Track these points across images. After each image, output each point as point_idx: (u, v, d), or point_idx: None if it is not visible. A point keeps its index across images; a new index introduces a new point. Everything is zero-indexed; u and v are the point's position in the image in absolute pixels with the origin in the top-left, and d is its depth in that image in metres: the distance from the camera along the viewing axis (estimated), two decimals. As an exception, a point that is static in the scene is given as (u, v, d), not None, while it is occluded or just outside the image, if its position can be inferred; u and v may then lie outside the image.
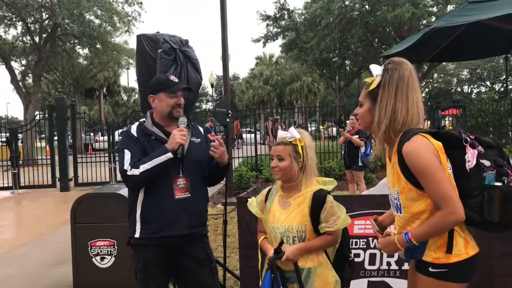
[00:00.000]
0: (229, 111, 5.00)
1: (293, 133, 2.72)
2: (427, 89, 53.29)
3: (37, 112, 21.24)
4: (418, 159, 2.12)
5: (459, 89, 59.56)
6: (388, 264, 3.79)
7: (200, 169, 3.19)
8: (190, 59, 3.93)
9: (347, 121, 10.41)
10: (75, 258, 4.58)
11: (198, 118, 17.16)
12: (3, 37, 24.01)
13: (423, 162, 2.11)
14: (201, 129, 3.39)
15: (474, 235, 2.29)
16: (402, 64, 2.28)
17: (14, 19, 22.34)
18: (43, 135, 27.38)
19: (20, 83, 24.18)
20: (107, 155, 14.85)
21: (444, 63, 37.58)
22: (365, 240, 3.78)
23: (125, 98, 57.14)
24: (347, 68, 34.93)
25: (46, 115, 15.49)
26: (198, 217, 3.15)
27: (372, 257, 3.80)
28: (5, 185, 14.36)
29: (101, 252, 4.53)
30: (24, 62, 27.52)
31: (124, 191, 4.35)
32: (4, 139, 18.44)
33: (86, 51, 27.68)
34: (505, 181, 2.12)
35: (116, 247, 4.51)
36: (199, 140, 3.23)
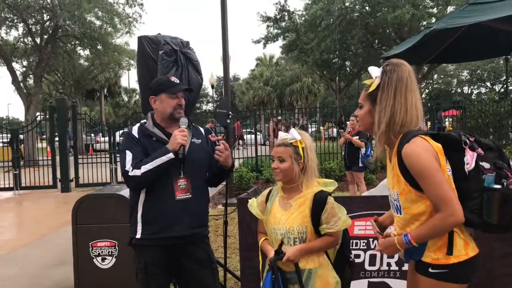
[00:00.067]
0: (230, 112, 5.01)
1: (294, 134, 2.73)
2: (427, 90, 53.27)
3: (38, 113, 21.26)
4: (417, 161, 2.13)
5: (459, 90, 59.52)
6: (388, 265, 3.80)
7: (201, 170, 3.20)
8: (191, 60, 3.95)
9: (347, 122, 10.42)
10: (76, 259, 4.59)
11: (199, 119, 17.17)
12: (5, 38, 24.04)
13: (422, 164, 2.12)
14: (202, 130, 3.40)
15: (474, 237, 2.30)
16: (400, 65, 2.29)
17: (15, 21, 22.34)
18: (44, 136, 27.40)
19: (21, 84, 24.19)
20: (108, 156, 14.86)
21: (444, 64, 37.56)
22: (366, 241, 3.79)
23: (126, 99, 57.17)
24: (347, 69, 34.91)
25: (47, 116, 15.51)
26: (199, 218, 3.17)
27: (372, 258, 3.81)
28: (6, 186, 14.37)
29: (102, 252, 4.54)
30: (25, 63, 27.53)
31: (125, 192, 4.37)
32: (6, 140, 18.42)
33: (87, 52, 27.68)
34: (505, 183, 2.12)
35: (117, 248, 4.52)
36: (200, 141, 3.25)
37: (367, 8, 26.17)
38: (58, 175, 14.18)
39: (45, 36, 23.46)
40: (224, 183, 3.83)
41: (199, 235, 3.17)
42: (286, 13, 29.82)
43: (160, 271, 3.08)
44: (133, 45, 36.75)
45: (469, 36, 6.02)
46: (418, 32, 9.98)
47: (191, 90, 3.51)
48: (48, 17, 22.71)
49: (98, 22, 22.57)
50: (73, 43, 25.58)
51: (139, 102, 4.14)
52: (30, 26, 22.96)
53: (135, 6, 23.13)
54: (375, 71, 2.33)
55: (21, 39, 24.48)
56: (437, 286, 2.23)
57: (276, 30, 30.56)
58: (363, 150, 8.80)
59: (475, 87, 58.15)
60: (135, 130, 3.15)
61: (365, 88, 2.38)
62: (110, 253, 4.54)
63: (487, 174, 2.13)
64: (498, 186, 2.12)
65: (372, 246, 3.77)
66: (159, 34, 4.03)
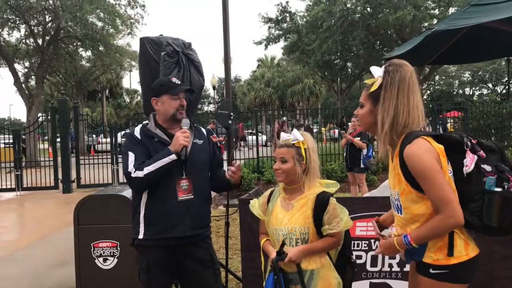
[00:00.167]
0: (231, 113, 5.02)
1: (296, 135, 2.73)
2: (428, 91, 53.23)
3: (40, 114, 21.29)
4: (419, 162, 2.13)
5: (460, 92, 59.44)
6: (390, 265, 3.80)
7: (203, 171, 3.21)
8: (192, 61, 3.96)
9: (349, 123, 10.42)
10: (78, 259, 4.59)
11: (200, 120, 17.18)
12: (7, 39, 24.07)
13: (423, 165, 2.12)
14: (204, 130, 3.41)
15: (474, 238, 2.30)
16: (403, 66, 2.29)
17: (17, 22, 22.38)
18: (46, 137, 27.43)
19: (23, 85, 24.21)
20: (109, 156, 14.88)
21: (445, 65, 37.54)
22: (367, 242, 3.79)
23: (128, 100, 57.21)
24: (349, 70, 34.86)
25: (49, 117, 15.53)
26: (201, 219, 3.17)
27: (374, 259, 3.81)
28: (8, 186, 14.39)
29: (104, 253, 4.55)
30: (27, 64, 27.58)
31: (127, 193, 4.37)
32: (7, 141, 18.47)
33: (89, 53, 27.70)
34: (506, 186, 2.12)
35: (119, 249, 4.53)
36: (202, 141, 3.25)
37: (368, 9, 26.14)
38: (60, 176, 14.20)
39: (47, 37, 23.50)
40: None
41: (201, 236, 3.18)
42: (287, 14, 29.79)
43: (162, 271, 3.09)
44: (135, 46, 36.87)
45: (470, 37, 6.00)
46: (419, 33, 9.98)
47: (193, 91, 3.52)
48: (50, 18, 22.75)
49: (100, 24, 22.60)
50: (75, 44, 25.62)
51: (141, 103, 4.15)
52: (32, 28, 22.99)
53: (137, 7, 23.15)
54: (377, 71, 2.33)
55: (23, 40, 24.51)
56: (438, 287, 2.23)
57: (277, 31, 30.52)
58: (364, 151, 8.81)
59: (477, 88, 58.08)
60: (137, 131, 3.16)
61: (366, 87, 2.39)
62: (111, 254, 4.54)
63: (488, 177, 2.13)
64: (499, 189, 2.12)
65: (374, 247, 3.77)
66: (161, 35, 4.04)
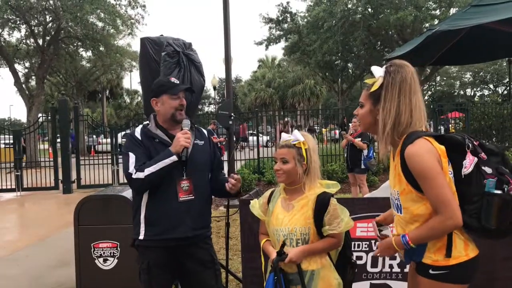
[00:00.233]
0: (232, 114, 5.02)
1: (297, 136, 2.72)
2: (429, 92, 53.24)
3: (40, 115, 21.30)
4: (420, 163, 2.13)
5: (462, 92, 59.45)
6: (391, 266, 3.80)
7: (204, 171, 3.21)
8: (193, 62, 3.96)
9: (350, 124, 10.42)
10: (78, 259, 4.59)
11: (201, 120, 17.18)
12: (7, 39, 24.10)
13: (424, 165, 2.12)
14: (204, 131, 3.40)
15: (474, 239, 2.29)
16: (404, 66, 2.29)
17: (18, 22, 22.41)
18: (46, 138, 27.45)
19: (23, 86, 24.24)
20: (110, 157, 14.89)
21: (447, 66, 37.54)
22: (368, 242, 3.78)
23: (128, 100, 57.29)
24: (350, 71, 34.89)
25: (49, 118, 15.54)
26: (201, 219, 3.17)
27: (375, 260, 3.80)
28: (8, 187, 14.39)
29: (104, 253, 4.54)
30: (27, 64, 27.61)
31: (127, 193, 4.37)
32: (7, 141, 18.48)
33: (89, 53, 27.73)
34: (505, 189, 2.12)
35: (119, 249, 4.52)
36: (203, 142, 3.25)
37: (369, 10, 26.15)
38: (60, 177, 14.20)
39: (48, 38, 23.53)
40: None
41: (202, 236, 3.18)
42: (288, 15, 29.80)
43: (163, 272, 3.09)
44: (136, 47, 36.92)
45: (471, 38, 5.99)
46: (420, 33, 9.98)
47: (192, 90, 3.52)
48: (51, 18, 22.77)
49: (100, 24, 22.63)
50: (75, 44, 25.65)
51: (141, 103, 4.15)
52: (33, 28, 23.02)
53: (137, 7, 23.20)
54: (378, 71, 2.33)
55: (24, 41, 24.55)
56: (437, 287, 2.22)
57: (278, 32, 30.53)
58: (365, 152, 8.81)
59: (478, 89, 58.11)
60: (138, 132, 3.15)
61: (366, 87, 2.38)
62: (112, 254, 4.53)
63: (488, 179, 2.12)
64: (499, 192, 2.11)
65: (374, 248, 3.76)
66: (162, 35, 4.04)
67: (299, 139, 2.70)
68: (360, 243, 3.79)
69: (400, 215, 2.32)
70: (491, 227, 2.11)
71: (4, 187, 14.46)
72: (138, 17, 23.54)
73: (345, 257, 2.78)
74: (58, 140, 14.65)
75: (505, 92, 46.25)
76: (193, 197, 3.06)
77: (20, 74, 25.12)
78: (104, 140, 24.15)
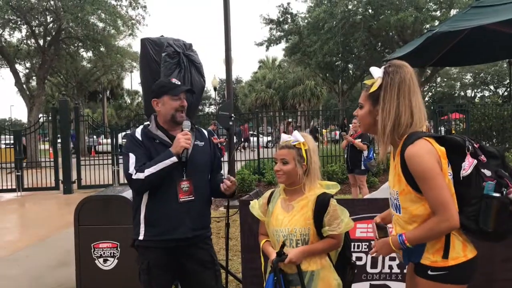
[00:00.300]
0: (232, 115, 5.02)
1: (297, 136, 2.73)
2: (430, 93, 53.23)
3: (40, 115, 21.33)
4: (419, 164, 2.13)
5: (462, 93, 59.41)
6: (390, 267, 3.80)
7: (204, 172, 3.21)
8: (193, 62, 3.96)
9: (350, 125, 10.42)
10: (78, 260, 4.59)
11: (201, 121, 17.19)
12: (8, 40, 24.12)
13: (424, 166, 2.12)
14: (205, 132, 3.40)
15: (472, 240, 2.30)
16: (402, 67, 2.29)
17: (19, 22, 22.43)
18: (46, 138, 27.44)
19: (24, 86, 24.26)
20: (110, 157, 14.89)
21: (447, 67, 37.55)
22: (367, 243, 3.78)
23: (129, 101, 57.30)
24: (350, 72, 34.88)
25: (50, 118, 15.54)
26: (201, 220, 3.17)
27: (374, 261, 3.81)
28: (9, 187, 14.40)
29: (104, 254, 4.54)
30: (28, 65, 27.64)
31: (127, 194, 4.38)
32: (8, 142, 18.50)
33: (90, 54, 27.75)
34: (504, 192, 2.12)
35: (119, 249, 4.52)
36: (203, 143, 3.25)
37: (370, 11, 26.16)
38: (61, 177, 14.20)
39: (48, 38, 23.55)
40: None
41: (202, 237, 3.18)
42: (289, 16, 29.79)
43: (163, 272, 3.09)
44: (136, 47, 36.91)
45: (471, 39, 6.01)
46: (421, 34, 9.98)
47: (193, 91, 3.52)
48: (51, 19, 22.79)
49: (101, 24, 22.64)
50: (76, 45, 25.67)
51: (142, 104, 4.15)
52: (34, 28, 23.05)
53: (138, 8, 23.22)
54: (377, 71, 2.33)
55: (24, 41, 24.58)
56: None
57: (279, 33, 30.53)
58: (365, 153, 8.80)
59: (479, 90, 58.06)
60: (138, 132, 3.15)
61: (365, 88, 2.38)
62: (112, 255, 4.54)
63: (487, 182, 2.13)
64: (497, 194, 2.11)
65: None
66: (162, 36, 4.04)
67: (299, 140, 2.70)
68: (360, 243, 3.79)
69: (399, 215, 2.33)
70: (488, 230, 2.11)
71: (4, 187, 14.46)
72: (139, 18, 23.59)
73: (344, 257, 2.79)
74: (59, 140, 14.66)
75: (506, 93, 46.22)
76: (193, 198, 3.06)
77: (21, 74, 25.15)
78: (105, 141, 24.17)
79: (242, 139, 26.24)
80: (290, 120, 20.40)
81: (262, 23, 30.39)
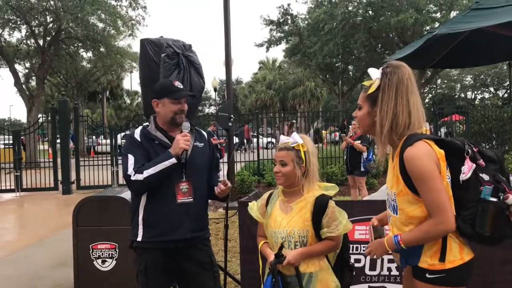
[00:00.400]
0: (231, 115, 5.02)
1: (296, 138, 2.72)
2: (430, 95, 53.24)
3: (40, 115, 21.32)
4: (418, 165, 2.13)
5: (462, 95, 59.44)
6: (389, 269, 3.79)
7: (203, 174, 3.20)
8: (193, 63, 3.95)
9: (350, 126, 10.42)
10: (76, 260, 4.58)
11: (201, 122, 17.19)
12: (8, 40, 24.11)
13: (422, 168, 2.12)
14: (204, 133, 3.40)
15: (469, 243, 2.30)
16: (400, 67, 2.28)
17: (18, 22, 22.43)
18: (46, 138, 27.44)
19: (23, 86, 24.25)
20: (109, 158, 14.89)
21: (447, 69, 37.56)
22: (366, 245, 3.77)
23: (128, 101, 57.25)
24: (350, 73, 34.87)
25: (49, 118, 15.54)
26: (200, 221, 3.17)
27: (373, 263, 3.80)
28: (8, 187, 14.38)
29: (102, 255, 4.54)
30: (27, 65, 27.60)
31: (126, 195, 4.37)
32: (6, 142, 18.48)
33: (89, 54, 27.75)
34: (501, 197, 2.13)
35: (117, 250, 4.52)
36: (202, 144, 3.25)
37: (370, 12, 26.17)
38: (60, 177, 14.19)
39: (48, 38, 23.55)
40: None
41: (200, 238, 3.18)
42: (289, 17, 29.79)
43: (161, 273, 3.09)
44: (136, 48, 36.91)
45: (471, 41, 6.01)
46: (421, 36, 9.98)
47: (194, 96, 3.52)
48: (51, 19, 22.79)
49: (101, 25, 22.64)
50: (76, 45, 25.67)
51: (141, 104, 4.15)
52: (33, 28, 23.04)
53: (138, 9, 23.23)
54: (374, 72, 2.33)
55: (24, 41, 24.56)
56: None
57: (279, 34, 30.53)
58: (365, 155, 8.80)
59: (479, 92, 58.08)
60: (137, 133, 3.14)
61: (364, 89, 2.38)
62: (110, 256, 4.53)
63: (485, 186, 2.13)
64: (494, 199, 2.12)
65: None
66: (162, 37, 4.04)
67: (297, 142, 2.70)
68: (359, 245, 3.78)
69: (396, 216, 2.32)
70: (485, 234, 2.11)
71: (3, 188, 14.45)
72: (138, 18, 23.59)
73: (343, 259, 2.78)
74: (58, 140, 14.65)
75: (506, 95, 46.25)
76: (191, 199, 3.06)
77: (20, 74, 25.13)
78: (104, 141, 24.18)
79: (245, 140, 26.25)
80: (294, 121, 20.43)
81: (262, 24, 30.39)
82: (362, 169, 8.92)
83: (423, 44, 5.73)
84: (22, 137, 16.11)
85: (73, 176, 14.25)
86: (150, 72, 3.90)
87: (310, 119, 35.27)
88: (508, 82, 40.08)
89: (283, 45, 32.06)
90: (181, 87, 3.21)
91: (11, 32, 22.95)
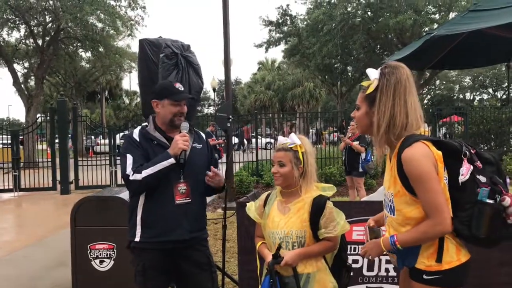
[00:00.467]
0: (230, 116, 5.01)
1: (294, 139, 2.73)
2: (429, 96, 53.25)
3: (38, 115, 21.28)
4: (416, 166, 2.13)
5: (461, 96, 59.45)
6: (387, 270, 3.80)
7: (201, 174, 3.20)
8: (191, 64, 3.96)
9: (348, 127, 10.43)
10: (74, 261, 4.58)
11: (200, 122, 17.18)
12: (6, 39, 24.07)
13: (420, 169, 2.12)
14: (202, 134, 3.40)
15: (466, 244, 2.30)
16: (398, 68, 2.29)
17: (17, 22, 22.40)
18: (44, 138, 27.41)
19: (22, 86, 24.23)
20: (108, 158, 14.87)
21: (446, 70, 37.59)
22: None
23: (127, 101, 57.15)
24: (349, 74, 34.90)
25: (48, 118, 15.52)
26: (198, 222, 3.17)
27: (371, 264, 3.81)
28: (6, 187, 14.37)
29: (100, 255, 4.54)
30: (26, 64, 27.58)
31: (124, 195, 4.37)
32: (5, 142, 18.46)
33: (88, 54, 27.68)
34: (497, 199, 2.13)
35: (115, 251, 4.52)
36: (201, 145, 3.25)
37: (369, 13, 26.20)
38: (58, 177, 14.18)
39: (47, 38, 23.52)
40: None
41: (198, 239, 3.18)
42: (288, 18, 29.82)
43: (159, 274, 3.09)
44: (135, 48, 36.86)
45: (469, 43, 6.02)
46: (419, 37, 9.99)
47: (194, 99, 3.52)
48: (50, 19, 22.77)
49: (100, 25, 22.62)
50: (74, 45, 25.63)
51: (140, 104, 4.14)
52: (32, 28, 23.01)
53: (137, 9, 23.22)
54: (373, 73, 2.33)
55: (23, 41, 24.52)
56: None
57: (278, 35, 30.56)
58: (363, 155, 8.81)
59: (477, 93, 58.08)
60: (136, 133, 3.15)
61: (362, 89, 2.38)
62: (108, 256, 4.53)
63: (482, 188, 2.13)
64: (491, 201, 2.12)
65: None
66: (160, 37, 4.04)
67: (295, 143, 2.71)
68: (356, 246, 3.78)
69: (393, 217, 2.33)
70: (480, 236, 2.12)
71: (1, 187, 14.42)
72: (138, 19, 23.58)
73: (340, 260, 2.79)
74: (57, 140, 14.63)
75: (504, 96, 46.31)
76: (189, 200, 3.06)
77: (19, 74, 25.11)
78: (103, 141, 24.16)
79: (245, 140, 26.24)
80: (294, 121, 20.44)
81: (262, 24, 30.45)
82: (361, 169, 8.93)
83: (421, 45, 5.74)
84: (21, 137, 16.10)
85: (71, 176, 14.24)
86: (148, 72, 3.90)
87: (309, 120, 35.24)
88: (506, 84, 40.11)
89: (282, 46, 32.11)
90: (182, 89, 3.21)
91: (10, 31, 22.91)
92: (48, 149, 17.68)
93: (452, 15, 23.59)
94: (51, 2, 21.69)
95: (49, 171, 14.60)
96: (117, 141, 15.32)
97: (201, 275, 3.16)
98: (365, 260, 3.80)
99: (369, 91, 2.31)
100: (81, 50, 26.69)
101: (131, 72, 36.81)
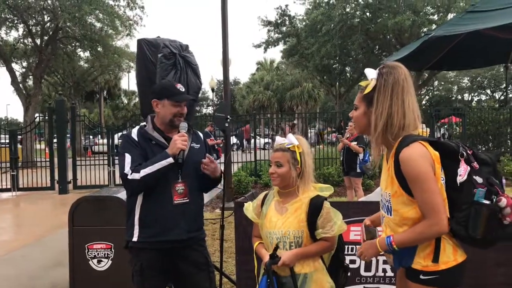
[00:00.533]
0: (228, 116, 5.01)
1: (292, 139, 2.73)
2: (427, 97, 53.32)
3: (37, 114, 21.25)
4: (413, 167, 2.14)
5: (459, 97, 59.53)
6: (384, 270, 3.80)
7: (199, 175, 3.20)
8: (190, 64, 3.95)
9: (347, 127, 10.44)
10: (72, 260, 4.58)
11: (198, 122, 17.18)
12: (5, 38, 24.07)
13: (417, 170, 2.13)
14: (201, 134, 3.40)
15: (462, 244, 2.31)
16: (396, 68, 2.29)
17: (15, 21, 22.39)
18: (43, 138, 27.37)
19: (20, 85, 24.22)
20: (106, 158, 14.86)
21: (444, 71, 37.64)
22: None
23: (126, 101, 57.10)
24: (348, 74, 34.94)
25: (46, 118, 15.50)
26: (195, 222, 3.17)
27: (368, 264, 3.81)
28: (4, 187, 14.35)
29: (98, 255, 4.53)
30: (25, 64, 27.60)
31: (122, 195, 4.36)
32: (3, 141, 18.44)
33: (87, 54, 27.72)
34: (494, 200, 2.13)
35: (113, 250, 4.52)
36: (199, 145, 3.25)
37: (367, 14, 26.23)
38: (56, 177, 14.16)
39: (45, 37, 23.51)
40: (221, 187, 3.82)
41: (196, 239, 3.18)
42: (287, 18, 29.84)
43: (156, 273, 3.09)
44: (133, 48, 36.71)
45: (467, 44, 6.04)
46: (417, 38, 10.02)
47: (194, 100, 3.52)
48: (49, 18, 22.76)
49: (98, 24, 22.62)
50: (73, 44, 25.63)
51: (139, 104, 4.14)
52: (31, 27, 23.00)
53: (136, 9, 23.24)
54: (371, 73, 2.34)
55: (21, 40, 24.52)
56: None
57: (276, 35, 30.58)
58: (361, 156, 8.82)
59: (476, 94, 58.18)
60: (134, 133, 3.15)
61: (360, 89, 2.39)
62: (106, 256, 4.53)
63: (478, 189, 2.14)
64: (487, 202, 2.12)
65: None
66: (159, 37, 4.04)
67: (293, 143, 2.71)
68: (354, 246, 3.79)
69: (390, 217, 2.33)
70: (477, 237, 2.12)
71: (-1, 187, 14.42)
72: (136, 18, 23.60)
73: (338, 260, 2.79)
74: (55, 140, 14.61)
75: (502, 97, 46.39)
76: (187, 200, 3.06)
77: (17, 73, 25.11)
78: (101, 141, 24.12)
79: (245, 140, 26.22)
80: (295, 122, 20.46)
81: (260, 25, 30.45)
82: (358, 170, 8.94)
83: (420, 46, 5.76)
84: (19, 136, 16.08)
85: (69, 176, 14.22)
86: (147, 72, 3.90)
87: (308, 120, 35.24)
88: (504, 85, 40.17)
89: (281, 46, 32.13)
90: (183, 90, 3.20)
91: (8, 31, 22.94)
92: (46, 148, 17.65)
93: (450, 16, 23.63)
94: (49, 2, 21.69)
95: (47, 170, 14.58)
96: (116, 141, 15.31)
97: (199, 275, 3.16)
98: (363, 261, 3.80)
99: (367, 91, 2.32)
100: (79, 49, 26.70)
101: (129, 72, 36.78)
